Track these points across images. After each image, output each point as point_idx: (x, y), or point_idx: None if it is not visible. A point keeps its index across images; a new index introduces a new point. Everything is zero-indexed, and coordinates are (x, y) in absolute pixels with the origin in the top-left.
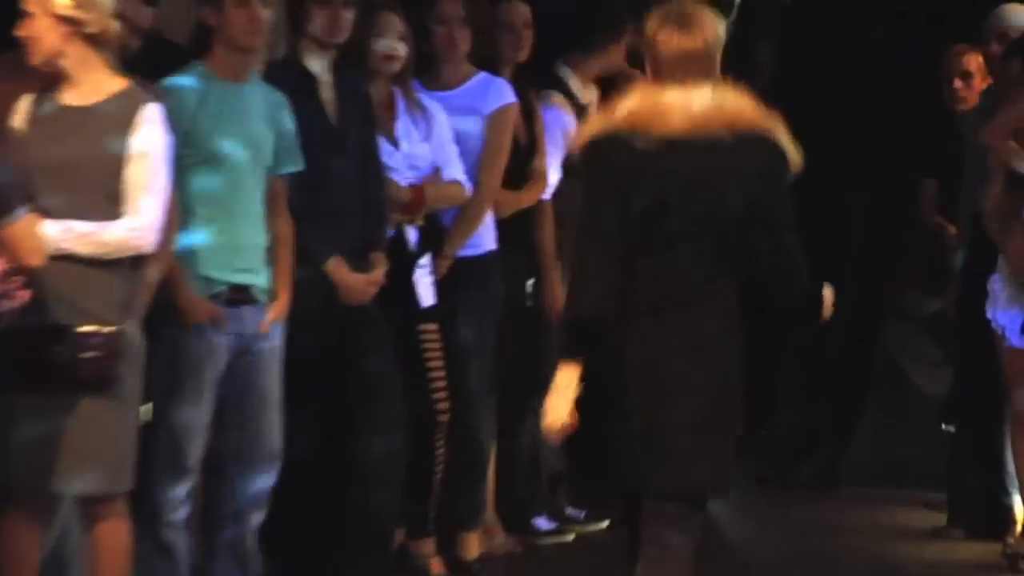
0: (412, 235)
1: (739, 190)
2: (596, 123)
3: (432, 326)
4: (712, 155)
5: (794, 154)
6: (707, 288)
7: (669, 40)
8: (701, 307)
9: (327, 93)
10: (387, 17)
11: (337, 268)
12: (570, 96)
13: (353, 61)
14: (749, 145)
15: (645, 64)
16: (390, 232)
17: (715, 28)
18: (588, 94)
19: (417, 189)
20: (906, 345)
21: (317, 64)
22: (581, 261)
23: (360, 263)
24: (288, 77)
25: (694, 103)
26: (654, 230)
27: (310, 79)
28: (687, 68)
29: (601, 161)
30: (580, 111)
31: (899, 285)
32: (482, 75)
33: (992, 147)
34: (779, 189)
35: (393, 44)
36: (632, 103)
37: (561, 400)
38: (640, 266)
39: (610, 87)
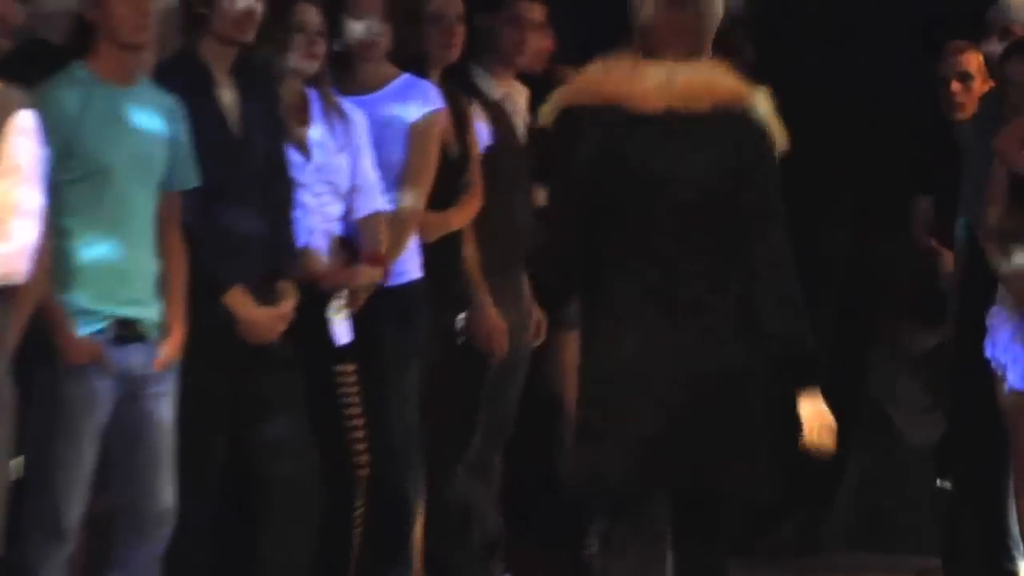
0: (324, 263)
1: (721, 169)
2: (569, 92)
3: (349, 367)
4: (693, 132)
5: (780, 133)
6: (702, 285)
7: (658, 9)
8: (696, 304)
9: (228, 96)
10: (304, 9)
11: (239, 300)
12: (480, 95)
13: (261, 59)
14: (730, 122)
15: (633, 35)
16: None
17: (713, 1)
18: (503, 88)
19: (380, 260)
20: (895, 389)
21: (217, 62)
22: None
23: (265, 294)
24: (182, 77)
25: (676, 76)
26: (634, 215)
27: (208, 80)
28: (676, 42)
29: (573, 135)
30: (492, 108)
31: (886, 319)
32: (405, 77)
33: (1006, 159)
34: (763, 168)
35: (313, 40)
36: (608, 73)
37: None
38: (620, 260)
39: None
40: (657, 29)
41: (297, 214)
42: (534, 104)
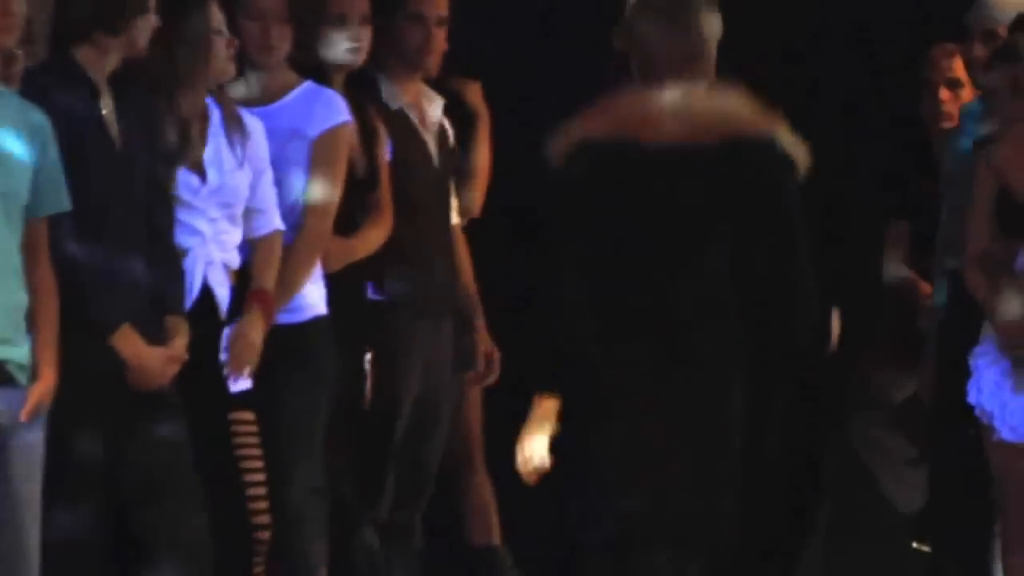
0: (224, 294)
1: (736, 204)
2: (579, 127)
3: (247, 415)
4: (707, 166)
5: (800, 155)
6: (706, 324)
7: (655, 35)
8: (699, 348)
9: (108, 108)
10: (214, 9)
11: (128, 340)
12: (380, 104)
13: (142, 66)
14: (749, 153)
15: (629, 63)
16: (192, 294)
17: (709, 19)
18: (409, 96)
19: (267, 300)
20: (876, 439)
21: (97, 70)
22: (548, 284)
23: (152, 332)
24: (61, 86)
25: (690, 105)
26: (644, 254)
27: (90, 90)
28: (677, 68)
29: (581, 172)
30: (393, 119)
31: (860, 361)
32: (307, 85)
33: (1004, 178)
34: (782, 201)
35: (231, 44)
36: (620, 106)
37: (536, 437)
38: (625, 301)
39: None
40: (655, 53)
41: (192, 243)
42: (452, 113)
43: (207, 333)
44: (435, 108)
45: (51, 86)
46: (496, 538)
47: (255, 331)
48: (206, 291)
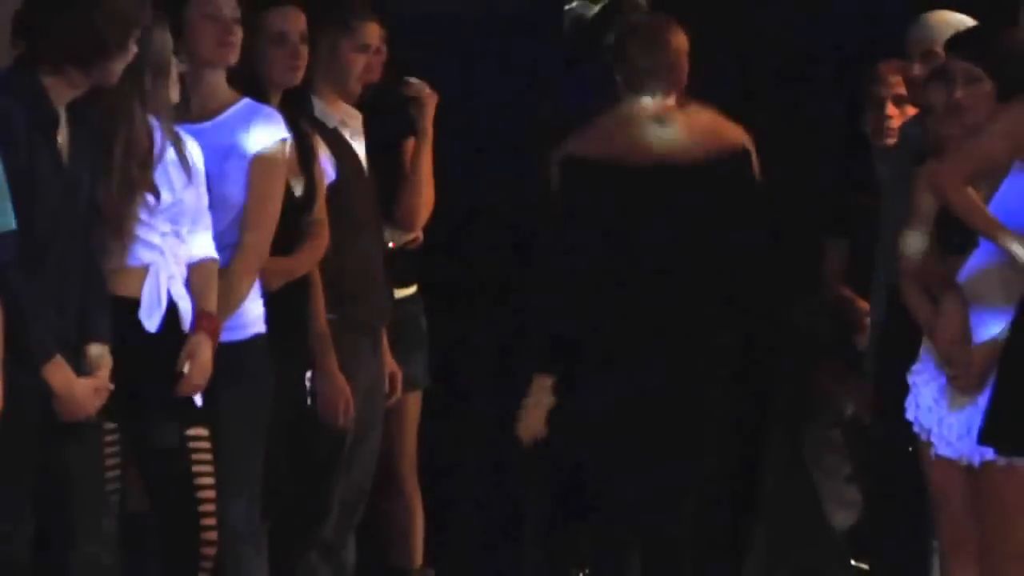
0: (186, 307)
1: (717, 215)
2: (574, 141)
3: (202, 431)
4: (691, 177)
5: (756, 167)
6: (694, 324)
7: (640, 54)
8: (688, 345)
9: (64, 135)
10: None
11: (59, 371)
12: (317, 123)
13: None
14: (729, 167)
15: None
16: (161, 307)
17: (683, 40)
18: (336, 114)
19: (212, 320)
20: (816, 456)
21: (60, 93)
22: (547, 276)
23: (77, 359)
24: (17, 107)
25: (675, 126)
26: (635, 260)
27: (53, 115)
28: (657, 78)
29: (577, 182)
30: (331, 138)
31: (819, 376)
32: (245, 102)
33: (945, 195)
34: (758, 211)
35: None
36: (610, 123)
37: (535, 410)
38: (617, 303)
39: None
40: (639, 67)
41: (152, 257)
42: (369, 129)
43: (171, 347)
44: (358, 124)
45: (10, 107)
46: (415, 561)
47: (204, 352)
48: (171, 305)
